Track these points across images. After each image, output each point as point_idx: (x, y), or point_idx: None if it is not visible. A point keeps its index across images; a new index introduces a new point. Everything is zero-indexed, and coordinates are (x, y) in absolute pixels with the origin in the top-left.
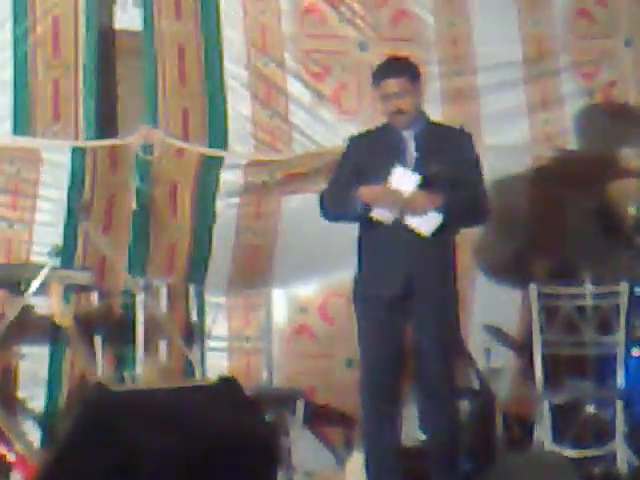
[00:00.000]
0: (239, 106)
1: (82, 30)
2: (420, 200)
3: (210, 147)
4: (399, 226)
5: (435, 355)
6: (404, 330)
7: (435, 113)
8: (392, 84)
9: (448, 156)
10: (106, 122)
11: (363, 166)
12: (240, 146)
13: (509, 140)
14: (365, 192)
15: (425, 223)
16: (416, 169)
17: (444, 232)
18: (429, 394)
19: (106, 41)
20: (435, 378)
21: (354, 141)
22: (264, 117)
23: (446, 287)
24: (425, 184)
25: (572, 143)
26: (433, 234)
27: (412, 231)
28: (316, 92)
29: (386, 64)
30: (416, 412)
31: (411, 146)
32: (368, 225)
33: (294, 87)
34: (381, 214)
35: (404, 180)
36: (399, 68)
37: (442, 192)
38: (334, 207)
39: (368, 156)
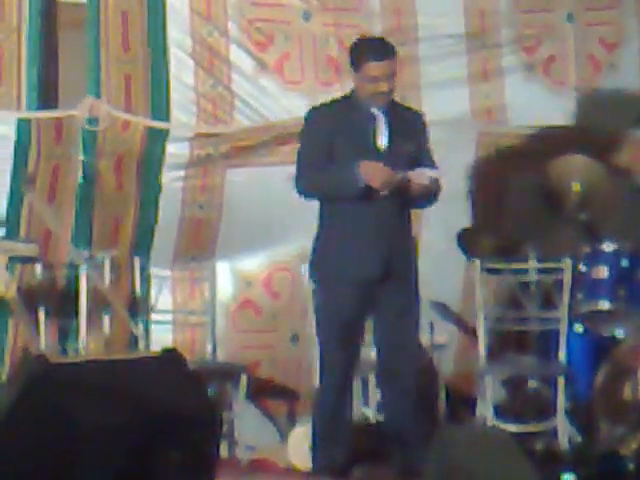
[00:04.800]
0: (182, 75)
1: None
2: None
3: (153, 116)
4: (382, 207)
5: (407, 337)
6: (369, 312)
7: None
8: (381, 66)
9: (412, 136)
10: (48, 92)
11: (332, 141)
12: (182, 115)
13: (449, 112)
14: (365, 167)
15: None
16: (388, 148)
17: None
18: (395, 377)
19: (49, 11)
20: (405, 361)
21: (317, 114)
22: (207, 86)
23: (414, 269)
24: (396, 163)
25: (512, 117)
26: None
27: (390, 214)
28: (259, 61)
29: (372, 45)
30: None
31: (382, 125)
32: (349, 204)
33: (237, 56)
34: None
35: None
36: (386, 50)
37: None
38: (322, 186)
39: (337, 131)
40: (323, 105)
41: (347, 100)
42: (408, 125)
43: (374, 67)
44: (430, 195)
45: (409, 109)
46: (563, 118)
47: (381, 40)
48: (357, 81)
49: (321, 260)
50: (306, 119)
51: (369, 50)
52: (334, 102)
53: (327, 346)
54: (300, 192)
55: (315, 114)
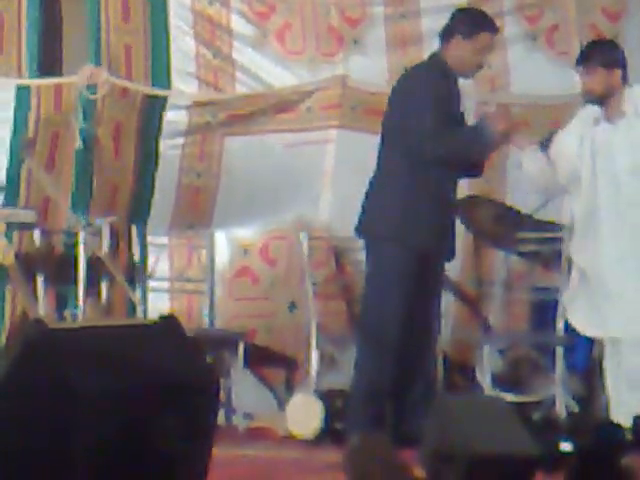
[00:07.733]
0: (183, 44)
1: None
2: None
3: (153, 86)
4: (451, 183)
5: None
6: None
7: (380, 56)
8: (494, 38)
9: None
10: (49, 59)
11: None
12: (183, 85)
13: None
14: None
15: None
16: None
17: None
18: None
19: None
20: (434, 338)
21: (436, 80)
22: (207, 56)
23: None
24: None
25: (514, 86)
26: None
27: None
28: (260, 31)
29: (486, 16)
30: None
31: (463, 96)
32: (447, 179)
33: (238, 26)
34: None
35: None
36: (494, 23)
37: None
38: (463, 150)
39: (448, 100)
40: (434, 72)
41: (438, 66)
42: None
43: (489, 38)
44: None
45: None
46: (565, 88)
47: (485, 13)
48: (464, 49)
49: (399, 229)
50: (421, 80)
51: (486, 20)
52: (439, 71)
53: (393, 316)
54: (436, 157)
55: (434, 80)
